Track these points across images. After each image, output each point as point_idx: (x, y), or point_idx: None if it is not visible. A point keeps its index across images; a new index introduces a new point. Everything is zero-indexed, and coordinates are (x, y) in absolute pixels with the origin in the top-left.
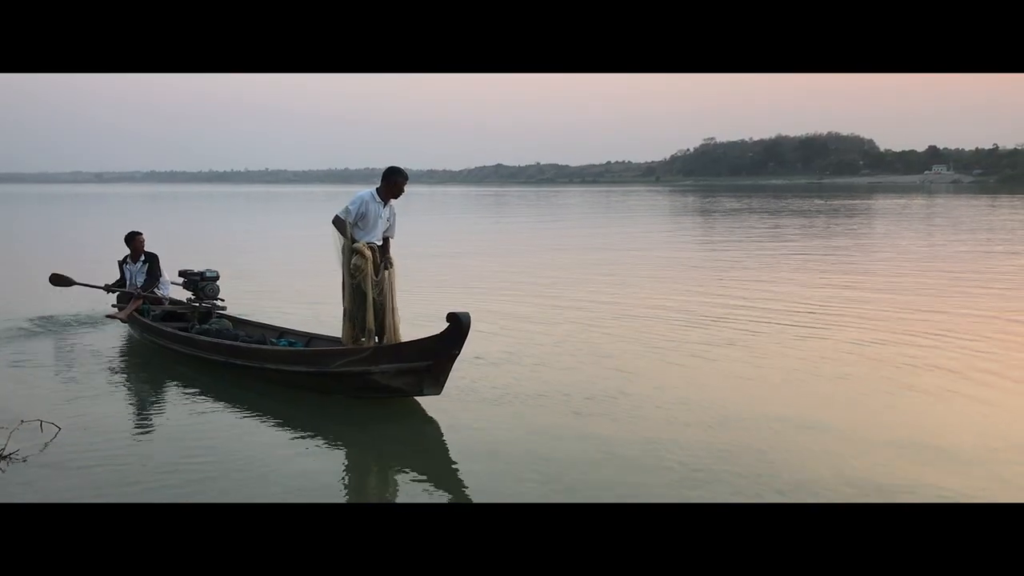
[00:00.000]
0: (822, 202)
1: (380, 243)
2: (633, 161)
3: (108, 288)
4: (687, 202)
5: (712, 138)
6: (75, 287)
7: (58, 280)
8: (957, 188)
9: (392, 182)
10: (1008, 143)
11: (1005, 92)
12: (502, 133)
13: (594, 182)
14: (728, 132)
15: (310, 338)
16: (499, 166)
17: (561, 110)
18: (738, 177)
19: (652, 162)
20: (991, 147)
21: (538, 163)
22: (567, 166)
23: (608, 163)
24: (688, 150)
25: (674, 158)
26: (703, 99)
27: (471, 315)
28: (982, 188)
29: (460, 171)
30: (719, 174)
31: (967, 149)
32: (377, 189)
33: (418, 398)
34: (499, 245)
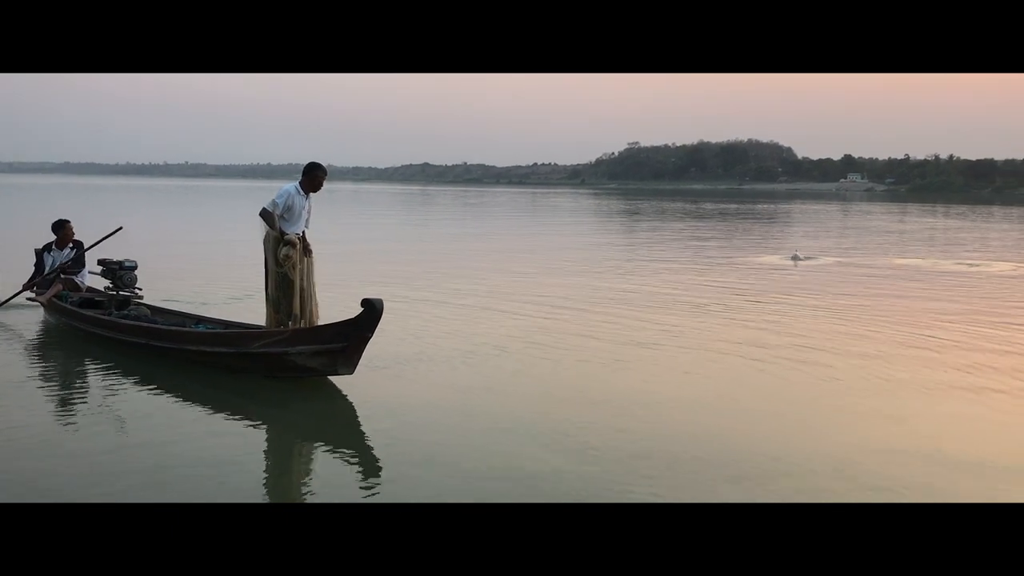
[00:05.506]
0: (746, 207)
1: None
2: (559, 163)
3: (29, 285)
4: (609, 205)
5: (636, 142)
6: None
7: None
8: (871, 196)
9: (312, 176)
10: (919, 153)
11: (918, 104)
12: (429, 133)
13: (520, 183)
14: (652, 137)
15: (227, 325)
16: (426, 165)
17: (488, 111)
18: (661, 181)
19: (578, 165)
20: (903, 157)
21: (465, 163)
22: (494, 166)
23: (534, 164)
24: (613, 154)
25: (599, 161)
26: (628, 104)
27: (383, 301)
28: (894, 196)
29: (386, 169)
30: (643, 178)
31: (880, 159)
32: (300, 183)
33: (332, 377)
34: (412, 237)
